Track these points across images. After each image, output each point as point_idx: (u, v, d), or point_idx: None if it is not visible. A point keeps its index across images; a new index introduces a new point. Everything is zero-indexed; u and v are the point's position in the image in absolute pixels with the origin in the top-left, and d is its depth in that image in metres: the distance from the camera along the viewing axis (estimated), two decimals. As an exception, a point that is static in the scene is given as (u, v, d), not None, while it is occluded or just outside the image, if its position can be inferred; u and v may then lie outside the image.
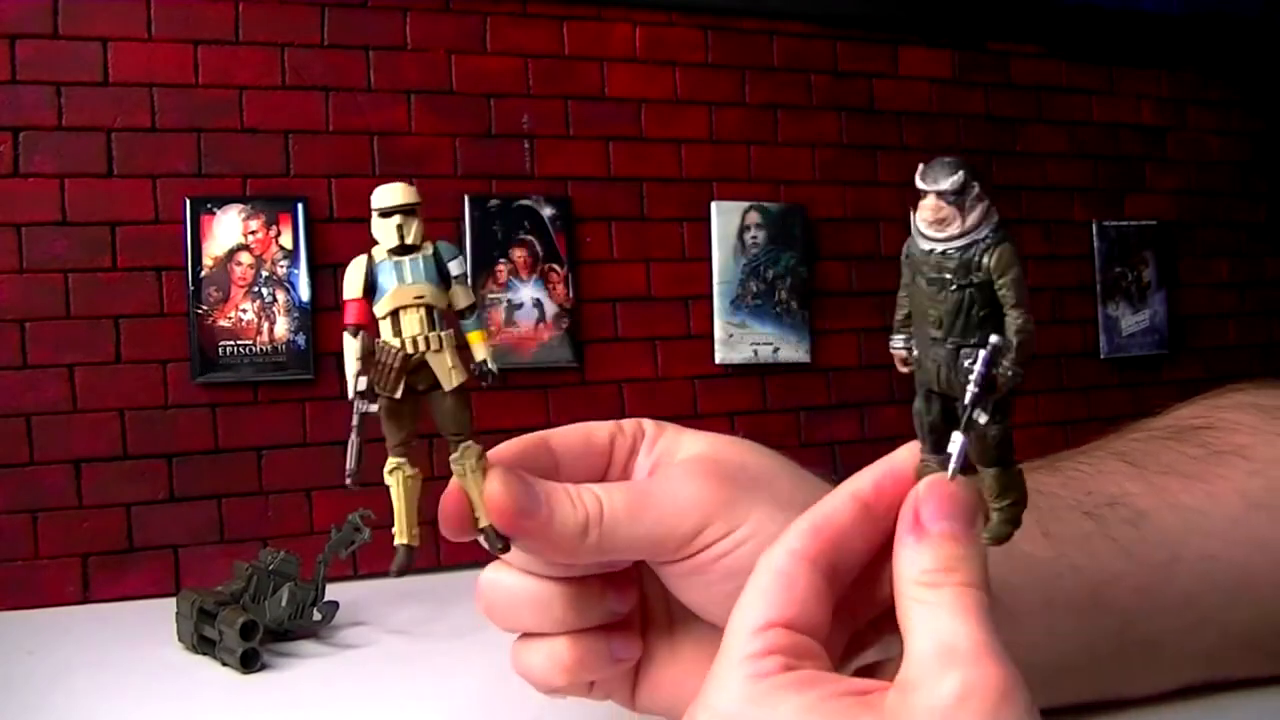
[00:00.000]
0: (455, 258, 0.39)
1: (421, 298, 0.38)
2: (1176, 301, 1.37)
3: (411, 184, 0.39)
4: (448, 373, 0.38)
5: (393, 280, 0.38)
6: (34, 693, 0.66)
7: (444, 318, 0.38)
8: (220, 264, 0.96)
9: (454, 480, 0.38)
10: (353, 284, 0.38)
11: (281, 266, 0.98)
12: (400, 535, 0.39)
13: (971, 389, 0.31)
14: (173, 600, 0.74)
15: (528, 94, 1.08)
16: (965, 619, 0.30)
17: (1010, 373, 0.31)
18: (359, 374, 0.38)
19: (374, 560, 0.95)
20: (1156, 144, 1.38)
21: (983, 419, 0.32)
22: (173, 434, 0.94)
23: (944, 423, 0.33)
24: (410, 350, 0.38)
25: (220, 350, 0.96)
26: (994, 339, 0.31)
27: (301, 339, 0.98)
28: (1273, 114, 1.44)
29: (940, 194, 0.32)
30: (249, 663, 0.67)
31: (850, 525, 0.35)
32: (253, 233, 0.97)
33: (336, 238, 1.00)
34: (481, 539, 0.38)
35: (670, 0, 1.13)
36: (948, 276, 0.32)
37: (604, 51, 1.11)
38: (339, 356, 0.99)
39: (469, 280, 0.39)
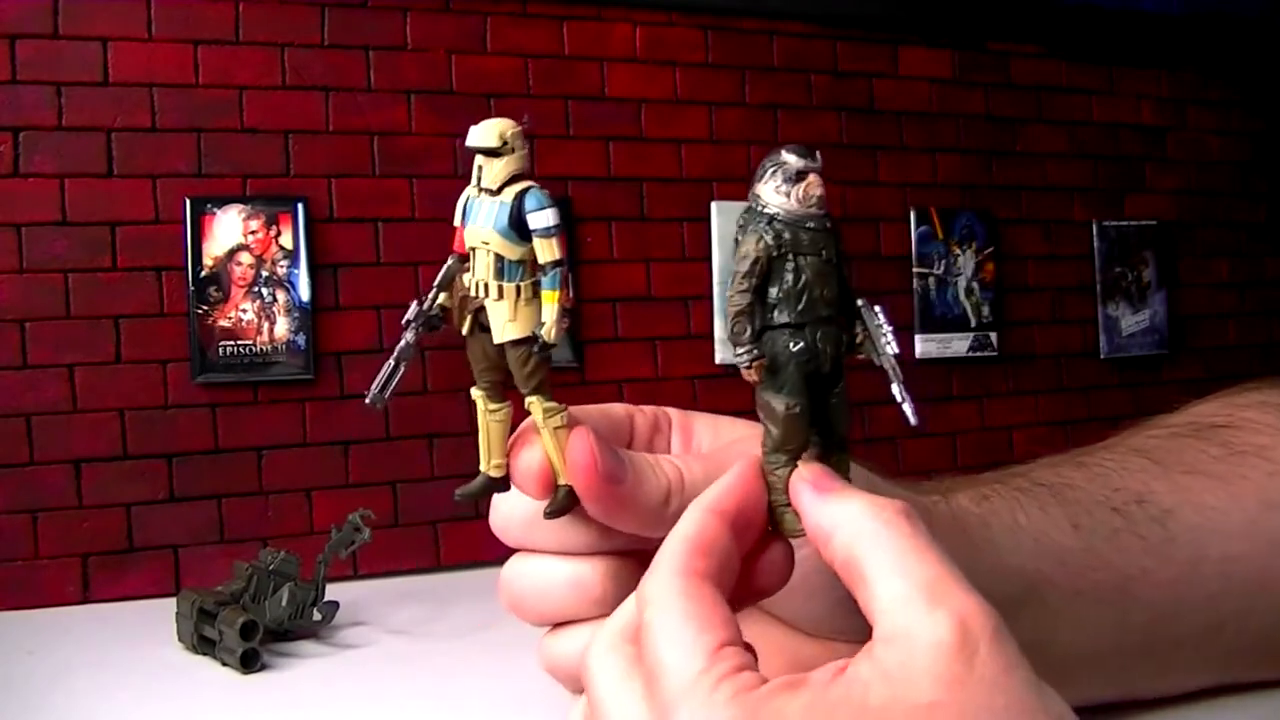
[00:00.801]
0: (539, 210, 0.36)
1: (487, 243, 0.36)
2: (1176, 301, 1.37)
3: (520, 123, 0.36)
4: (502, 325, 0.37)
5: (469, 219, 0.37)
6: (34, 693, 0.66)
7: (522, 268, 0.37)
8: (220, 264, 0.96)
9: (526, 431, 0.38)
10: (456, 212, 0.38)
11: (281, 266, 0.98)
12: (482, 463, 0.39)
13: (893, 343, 0.34)
14: (173, 600, 0.74)
15: (528, 94, 1.08)
16: (926, 556, 0.30)
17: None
18: (424, 298, 0.38)
19: (374, 560, 0.95)
20: (1156, 144, 1.38)
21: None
22: (173, 434, 0.94)
23: (812, 412, 0.34)
24: (473, 293, 0.37)
25: (220, 350, 0.96)
26: (862, 302, 0.34)
27: (301, 339, 0.98)
28: (1273, 114, 1.44)
29: (818, 171, 0.33)
30: (249, 663, 0.67)
31: (727, 543, 0.33)
32: (253, 233, 0.97)
33: (336, 238, 1.00)
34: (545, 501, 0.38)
35: (670, 0, 1.13)
36: (834, 251, 0.33)
37: (604, 51, 1.11)
38: (339, 356, 1.00)
39: (555, 236, 0.36)
